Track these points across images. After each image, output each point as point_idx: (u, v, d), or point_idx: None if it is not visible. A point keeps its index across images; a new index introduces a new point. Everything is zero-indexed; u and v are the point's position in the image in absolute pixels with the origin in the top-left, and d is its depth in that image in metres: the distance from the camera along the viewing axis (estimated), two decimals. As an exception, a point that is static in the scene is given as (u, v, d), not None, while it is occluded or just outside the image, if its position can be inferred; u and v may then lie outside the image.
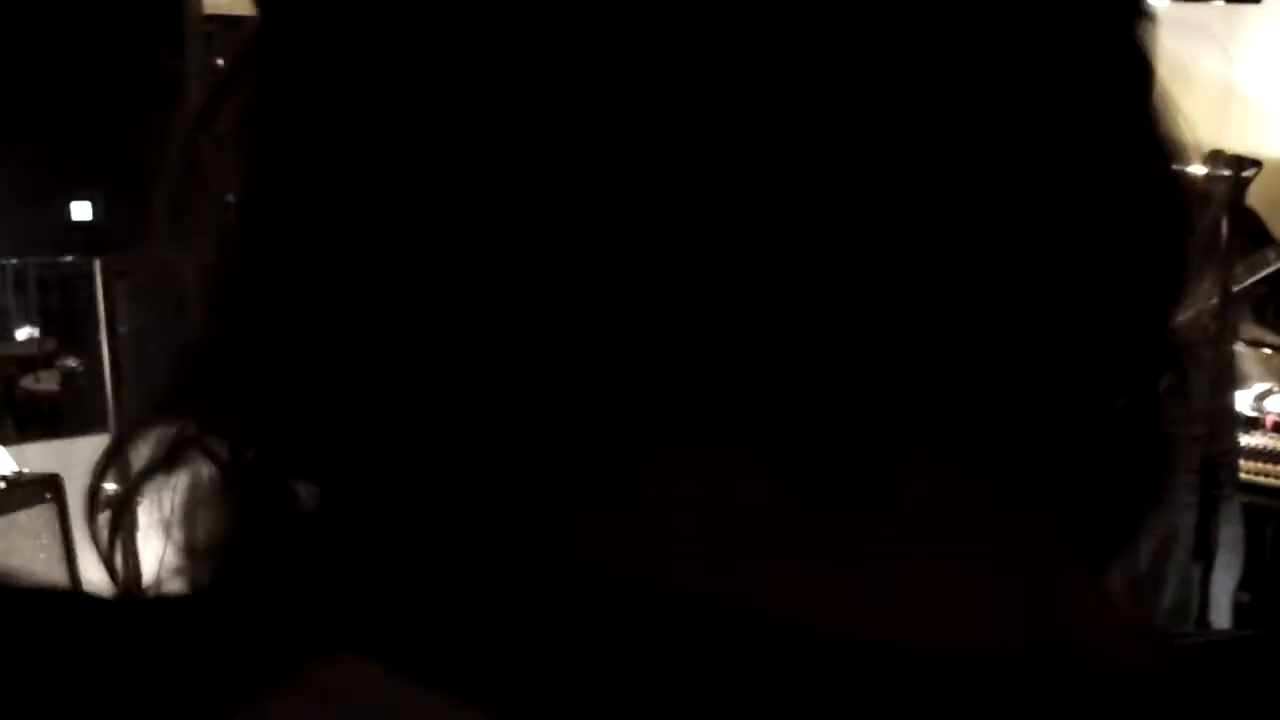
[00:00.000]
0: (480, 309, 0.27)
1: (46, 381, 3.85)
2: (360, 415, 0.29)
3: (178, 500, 0.31)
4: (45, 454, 2.83)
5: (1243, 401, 3.36)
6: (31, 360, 3.89)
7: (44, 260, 3.36)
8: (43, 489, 2.54)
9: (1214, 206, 2.96)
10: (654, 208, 0.26)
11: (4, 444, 2.82)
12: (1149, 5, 0.32)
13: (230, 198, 0.32)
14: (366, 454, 0.29)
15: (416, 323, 0.28)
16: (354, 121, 0.28)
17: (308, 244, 0.29)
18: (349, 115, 0.28)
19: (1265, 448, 3.43)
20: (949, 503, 0.28)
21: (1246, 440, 3.34)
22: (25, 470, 2.60)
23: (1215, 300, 2.83)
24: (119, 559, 0.35)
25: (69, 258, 2.87)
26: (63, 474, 2.58)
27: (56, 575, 2.52)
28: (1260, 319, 3.03)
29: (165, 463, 0.31)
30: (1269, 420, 3.49)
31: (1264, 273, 2.82)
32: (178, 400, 0.31)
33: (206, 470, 0.31)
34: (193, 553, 0.31)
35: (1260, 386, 3.56)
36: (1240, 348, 3.19)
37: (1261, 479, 3.37)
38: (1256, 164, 2.85)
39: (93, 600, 0.29)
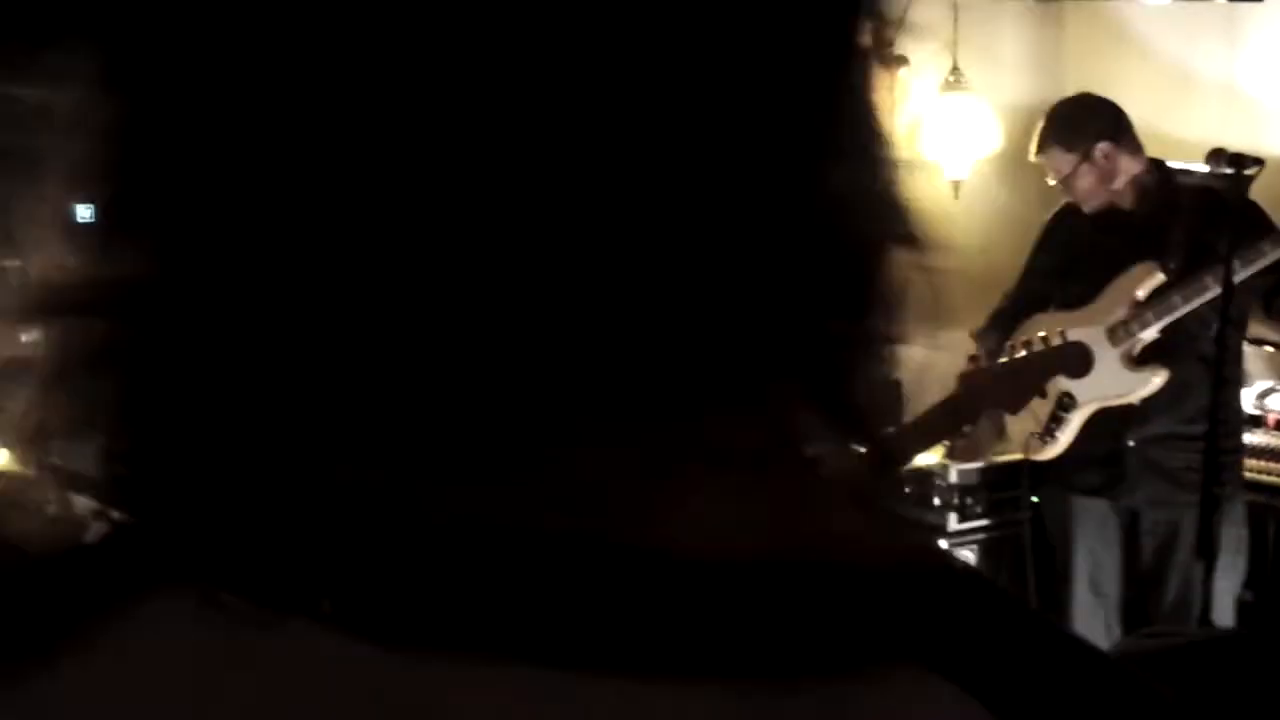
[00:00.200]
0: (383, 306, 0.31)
1: None
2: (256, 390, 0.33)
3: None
4: None
5: (1246, 399, 3.36)
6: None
7: None
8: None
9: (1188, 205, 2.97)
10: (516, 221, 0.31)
11: None
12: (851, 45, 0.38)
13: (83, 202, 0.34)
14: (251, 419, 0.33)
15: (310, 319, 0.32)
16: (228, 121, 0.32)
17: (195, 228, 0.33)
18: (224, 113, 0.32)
19: (1268, 446, 3.43)
20: (726, 447, 0.34)
21: (1249, 438, 3.34)
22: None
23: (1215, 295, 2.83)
24: None
25: None
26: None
27: None
28: (1269, 311, 3.02)
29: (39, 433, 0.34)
30: (1271, 418, 3.49)
31: (1260, 265, 2.80)
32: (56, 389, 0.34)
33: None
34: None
35: (1263, 384, 3.55)
36: (1244, 345, 3.19)
37: (1264, 477, 3.37)
38: (1259, 162, 2.85)
39: None
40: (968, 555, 3.44)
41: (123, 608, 0.32)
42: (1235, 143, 2.97)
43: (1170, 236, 3.03)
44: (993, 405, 2.43)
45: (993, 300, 3.55)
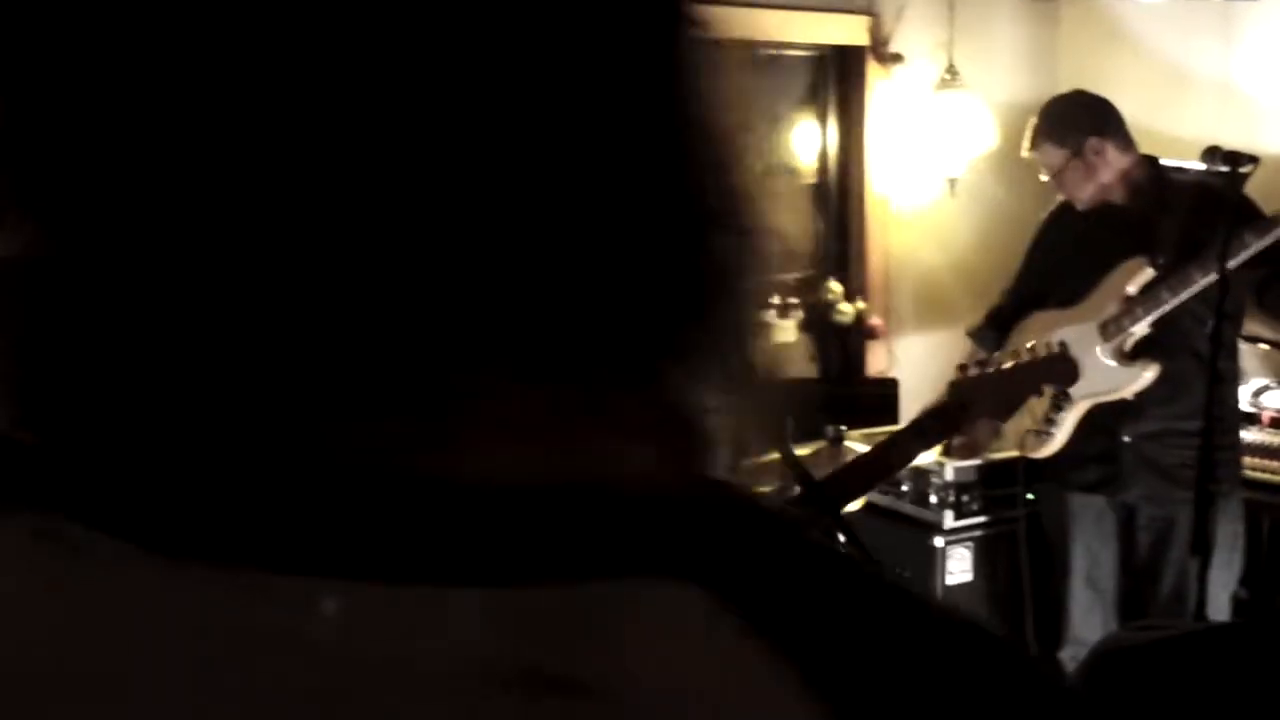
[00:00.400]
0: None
1: None
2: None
3: None
4: None
5: (1241, 397, 3.37)
6: None
7: None
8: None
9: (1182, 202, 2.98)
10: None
11: None
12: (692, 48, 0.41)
13: None
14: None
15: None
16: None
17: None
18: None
19: (1262, 443, 3.44)
20: (522, 394, 0.38)
21: (1244, 435, 3.35)
22: None
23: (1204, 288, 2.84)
24: None
25: None
26: None
27: None
28: (1261, 304, 3.02)
29: None
30: (1266, 416, 3.50)
31: (1245, 255, 2.80)
32: None
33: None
34: None
35: (1258, 381, 3.56)
36: (1239, 342, 3.19)
37: (1258, 474, 3.38)
38: (1254, 160, 2.85)
39: None
40: (964, 552, 3.45)
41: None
42: (1231, 141, 2.97)
43: (1161, 232, 3.04)
44: (981, 414, 2.45)
45: (989, 298, 3.56)
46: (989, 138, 4.18)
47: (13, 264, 0.38)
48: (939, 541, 3.42)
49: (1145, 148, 3.22)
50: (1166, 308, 3.01)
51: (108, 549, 0.35)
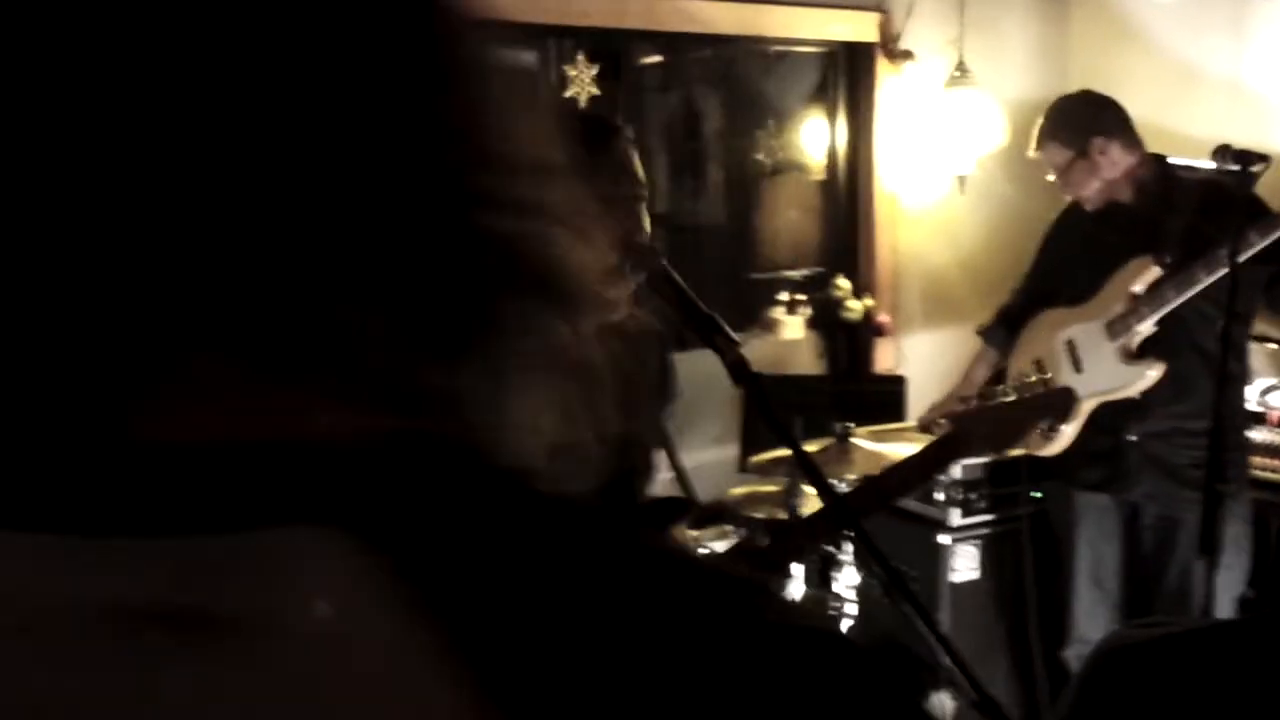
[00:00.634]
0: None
1: None
2: None
3: None
4: None
5: (1249, 396, 3.36)
6: None
7: None
8: None
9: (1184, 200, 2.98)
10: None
11: None
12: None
13: None
14: None
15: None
16: None
17: None
18: None
19: (1269, 443, 3.43)
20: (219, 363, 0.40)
21: (1251, 435, 3.34)
22: None
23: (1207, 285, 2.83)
24: None
25: None
26: None
27: None
28: (1271, 301, 3.01)
29: None
30: (1274, 415, 3.49)
31: (1250, 251, 2.79)
32: None
33: None
34: None
35: (1265, 381, 3.56)
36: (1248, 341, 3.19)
37: (1266, 474, 3.37)
38: (1264, 158, 2.85)
39: None
40: (970, 550, 3.45)
41: None
42: (1241, 139, 2.97)
43: (1167, 231, 3.04)
44: (980, 448, 2.50)
45: (998, 296, 3.56)
46: (999, 135, 4.17)
47: None
48: (945, 539, 3.42)
49: (1155, 146, 3.22)
50: (1171, 305, 3.00)
51: None
